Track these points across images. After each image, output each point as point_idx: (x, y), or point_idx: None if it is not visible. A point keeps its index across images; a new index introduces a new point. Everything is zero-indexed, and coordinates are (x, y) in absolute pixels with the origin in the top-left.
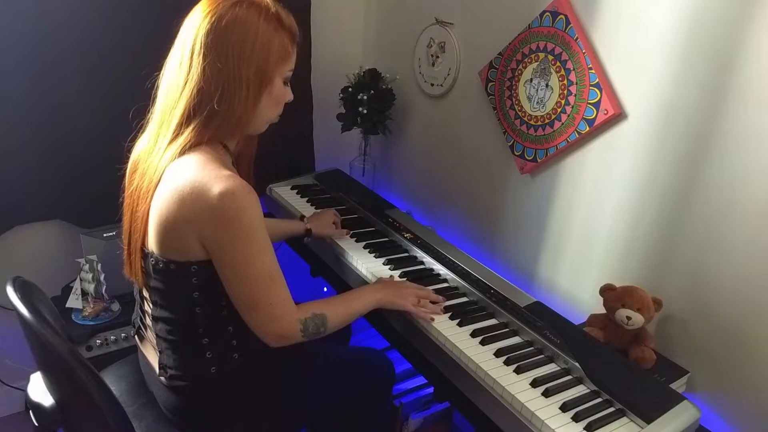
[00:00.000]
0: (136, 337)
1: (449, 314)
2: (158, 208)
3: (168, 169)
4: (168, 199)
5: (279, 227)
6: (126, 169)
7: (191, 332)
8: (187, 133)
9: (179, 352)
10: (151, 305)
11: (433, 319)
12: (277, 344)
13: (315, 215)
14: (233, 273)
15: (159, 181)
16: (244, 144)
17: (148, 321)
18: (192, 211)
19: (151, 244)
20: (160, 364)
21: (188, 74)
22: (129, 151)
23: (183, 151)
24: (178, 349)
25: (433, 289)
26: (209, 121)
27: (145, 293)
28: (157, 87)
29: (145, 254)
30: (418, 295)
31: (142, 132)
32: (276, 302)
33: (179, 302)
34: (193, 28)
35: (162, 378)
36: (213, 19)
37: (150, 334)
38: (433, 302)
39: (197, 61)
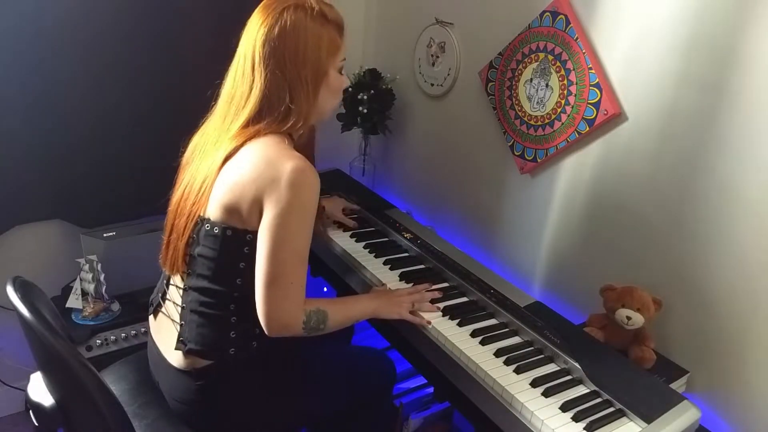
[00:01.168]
0: (151, 316)
1: (449, 315)
2: (226, 174)
3: (239, 150)
4: (238, 165)
5: None
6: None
7: (224, 306)
8: (258, 126)
9: (205, 326)
10: (186, 275)
11: (430, 323)
12: (276, 332)
13: (329, 197)
14: (271, 242)
15: (226, 159)
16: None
17: (175, 294)
18: (261, 177)
19: (210, 211)
20: (179, 337)
21: (252, 83)
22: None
23: (255, 137)
24: (204, 322)
25: (433, 289)
26: (284, 120)
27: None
28: (218, 94)
29: (199, 221)
30: (412, 300)
31: (194, 132)
32: (294, 283)
33: (224, 270)
34: (251, 40)
35: (178, 353)
36: (266, 29)
37: (171, 308)
38: (429, 294)
39: (258, 71)
